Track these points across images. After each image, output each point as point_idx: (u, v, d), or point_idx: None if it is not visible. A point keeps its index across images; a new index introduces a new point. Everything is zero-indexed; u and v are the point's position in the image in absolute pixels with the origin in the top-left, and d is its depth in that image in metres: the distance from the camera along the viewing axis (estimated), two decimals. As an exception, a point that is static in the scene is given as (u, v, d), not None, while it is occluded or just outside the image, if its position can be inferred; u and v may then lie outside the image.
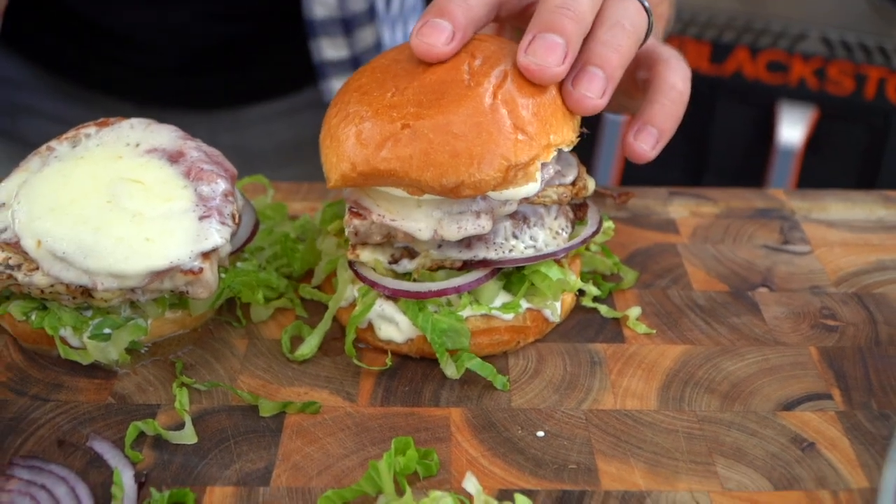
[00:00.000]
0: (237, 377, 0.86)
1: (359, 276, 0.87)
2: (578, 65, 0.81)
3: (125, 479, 0.74)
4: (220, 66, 1.41)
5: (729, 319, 0.93)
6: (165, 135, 0.90)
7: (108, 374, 0.86)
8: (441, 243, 0.84)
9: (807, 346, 0.90)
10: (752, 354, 0.89)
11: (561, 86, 0.82)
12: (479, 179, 0.78)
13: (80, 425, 0.80)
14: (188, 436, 0.79)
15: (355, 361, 0.86)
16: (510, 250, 0.85)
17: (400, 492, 0.73)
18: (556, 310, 0.88)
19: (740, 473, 0.76)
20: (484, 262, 0.84)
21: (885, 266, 1.02)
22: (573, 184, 0.88)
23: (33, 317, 0.85)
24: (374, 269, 0.86)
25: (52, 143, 0.90)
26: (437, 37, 0.79)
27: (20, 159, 0.91)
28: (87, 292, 0.82)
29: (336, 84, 1.35)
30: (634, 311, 0.93)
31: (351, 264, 0.87)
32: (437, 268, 0.85)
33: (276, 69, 1.44)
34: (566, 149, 0.83)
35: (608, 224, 0.96)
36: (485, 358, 0.86)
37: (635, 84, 0.94)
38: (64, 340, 0.85)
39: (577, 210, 0.92)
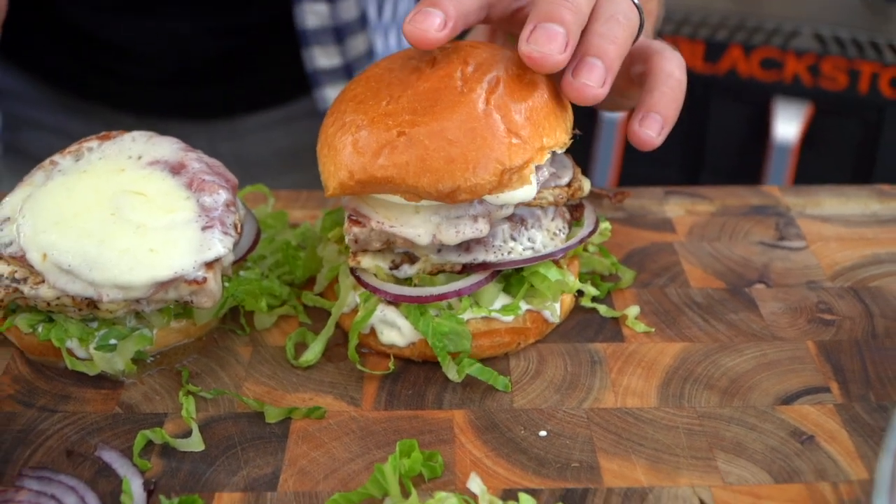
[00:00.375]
0: (242, 384, 0.87)
1: (360, 283, 0.88)
2: (577, 56, 0.82)
3: (134, 487, 0.75)
4: (217, 77, 1.42)
5: (726, 316, 0.94)
6: (167, 147, 0.91)
7: (114, 385, 0.87)
8: (440, 248, 0.85)
9: (804, 341, 0.91)
10: (751, 350, 0.90)
11: (561, 78, 0.83)
12: (475, 184, 0.79)
13: (88, 435, 0.81)
14: (195, 443, 0.80)
15: (359, 366, 0.87)
16: (509, 252, 0.86)
17: (405, 494, 0.74)
18: (555, 311, 0.89)
19: (741, 467, 0.77)
20: (483, 265, 0.85)
21: (881, 260, 1.03)
22: (569, 185, 0.89)
23: (40, 329, 0.86)
24: (376, 275, 0.87)
25: (56, 157, 0.91)
26: (430, 23, 0.80)
27: (22, 171, 0.92)
28: (92, 304, 0.83)
29: (329, 92, 1.36)
30: (633, 311, 0.94)
31: (352, 271, 0.88)
32: (437, 272, 0.86)
33: (273, 78, 1.46)
34: (560, 151, 0.84)
35: (605, 225, 0.98)
36: (486, 360, 0.87)
37: (630, 80, 0.95)
38: (70, 352, 0.86)
39: (574, 211, 0.93)
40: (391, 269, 0.86)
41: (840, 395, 0.84)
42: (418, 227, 0.83)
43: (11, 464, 0.78)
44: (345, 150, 0.82)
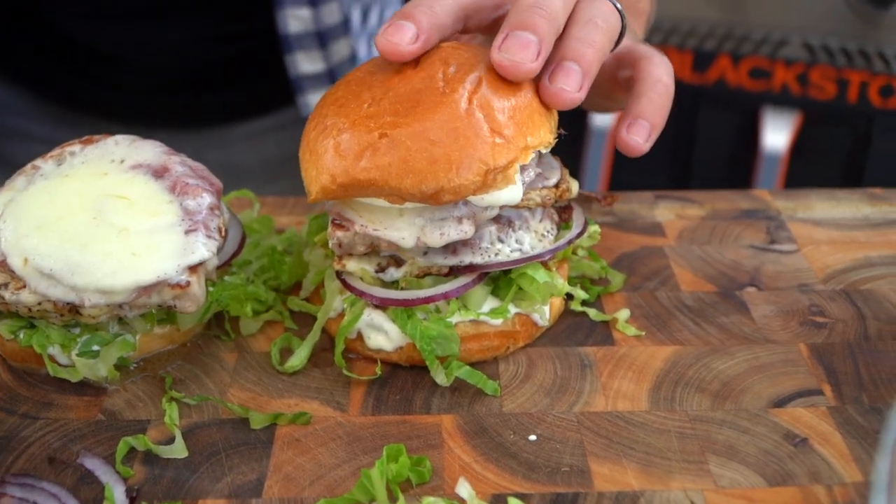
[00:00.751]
0: (227, 390, 0.86)
1: (346, 287, 0.87)
2: (554, 61, 0.81)
3: (117, 494, 0.74)
4: (205, 86, 1.42)
5: (718, 319, 0.94)
6: (150, 150, 0.90)
7: (97, 391, 0.86)
8: (426, 250, 0.84)
9: (796, 343, 0.90)
10: (742, 353, 0.89)
11: (538, 83, 0.82)
12: (459, 184, 0.78)
13: (71, 442, 0.80)
14: (178, 450, 0.78)
15: (345, 372, 0.86)
16: (496, 254, 0.85)
17: (393, 499, 0.72)
18: (544, 314, 0.88)
19: (733, 471, 0.76)
20: (470, 267, 0.84)
21: (873, 262, 1.02)
22: (556, 186, 0.88)
23: (21, 335, 0.85)
24: (362, 279, 0.86)
25: (38, 162, 0.90)
26: (402, 36, 0.80)
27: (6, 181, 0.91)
28: (74, 309, 0.82)
29: (313, 98, 1.36)
30: (623, 314, 0.93)
31: (338, 275, 0.87)
32: (424, 275, 0.85)
33: (261, 87, 1.45)
34: (544, 150, 0.84)
35: (594, 228, 0.97)
36: (475, 364, 0.86)
37: (617, 84, 0.94)
38: (52, 358, 0.85)
39: (562, 213, 0.92)
40: (377, 272, 0.85)
41: (833, 397, 0.83)
42: (402, 229, 0.82)
43: (-9, 472, 0.77)
44: (326, 154, 0.81)
